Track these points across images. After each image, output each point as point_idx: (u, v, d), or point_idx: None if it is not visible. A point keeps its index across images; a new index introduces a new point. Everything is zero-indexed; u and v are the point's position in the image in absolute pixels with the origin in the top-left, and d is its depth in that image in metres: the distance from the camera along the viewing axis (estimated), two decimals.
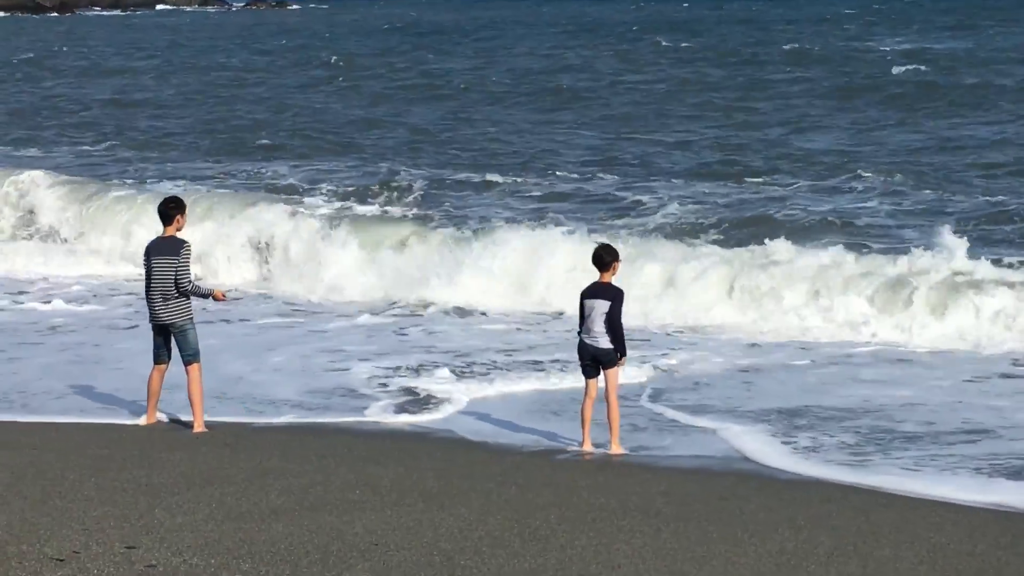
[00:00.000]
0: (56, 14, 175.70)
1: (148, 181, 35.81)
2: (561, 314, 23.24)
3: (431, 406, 17.70)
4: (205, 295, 16.08)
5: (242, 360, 20.18)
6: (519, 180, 34.63)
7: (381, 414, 17.29)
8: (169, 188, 33.15)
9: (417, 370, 19.58)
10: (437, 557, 10.95)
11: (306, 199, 32.36)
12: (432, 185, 34.31)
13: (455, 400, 17.94)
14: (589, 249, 24.75)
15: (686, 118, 44.70)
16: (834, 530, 12.18)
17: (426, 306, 24.36)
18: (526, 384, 18.83)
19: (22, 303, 25.26)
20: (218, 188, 33.40)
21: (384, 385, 18.76)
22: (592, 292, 15.46)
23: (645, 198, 31.76)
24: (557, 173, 35.76)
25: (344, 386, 18.74)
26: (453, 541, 11.44)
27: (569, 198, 32.51)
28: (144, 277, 16.07)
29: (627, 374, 18.30)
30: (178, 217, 16.03)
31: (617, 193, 32.66)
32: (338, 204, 31.72)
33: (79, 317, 23.92)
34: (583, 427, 15.55)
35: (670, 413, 17.45)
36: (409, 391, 18.43)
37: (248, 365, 19.90)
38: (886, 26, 69.83)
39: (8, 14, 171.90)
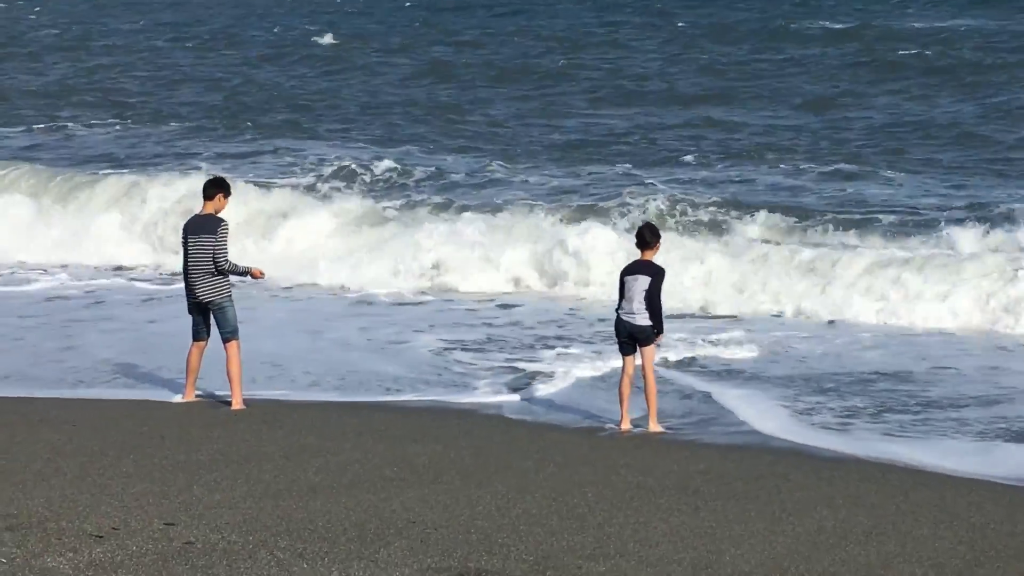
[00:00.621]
0: None
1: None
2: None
3: (538, 383, 17.79)
4: (243, 273, 16.10)
5: (301, 337, 20.48)
6: (532, 166, 34.01)
7: (491, 395, 17.32)
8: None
9: (485, 348, 19.76)
10: (474, 535, 10.96)
11: (287, 180, 32.10)
12: (421, 166, 33.84)
13: (560, 376, 18.02)
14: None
15: (708, 99, 44.08)
16: (872, 509, 12.13)
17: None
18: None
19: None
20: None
21: (472, 364, 18.90)
22: (633, 269, 15.51)
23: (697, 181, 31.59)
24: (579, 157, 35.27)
25: (425, 365, 18.86)
26: (490, 519, 11.44)
27: (583, 180, 32.12)
28: (182, 255, 16.11)
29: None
30: (219, 196, 16.05)
31: (648, 180, 32.35)
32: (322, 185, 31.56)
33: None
34: (621, 405, 15.54)
35: (685, 379, 17.82)
36: (512, 369, 18.55)
37: (307, 343, 20.16)
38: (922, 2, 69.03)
39: None
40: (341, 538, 10.72)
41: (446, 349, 19.64)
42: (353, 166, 33.15)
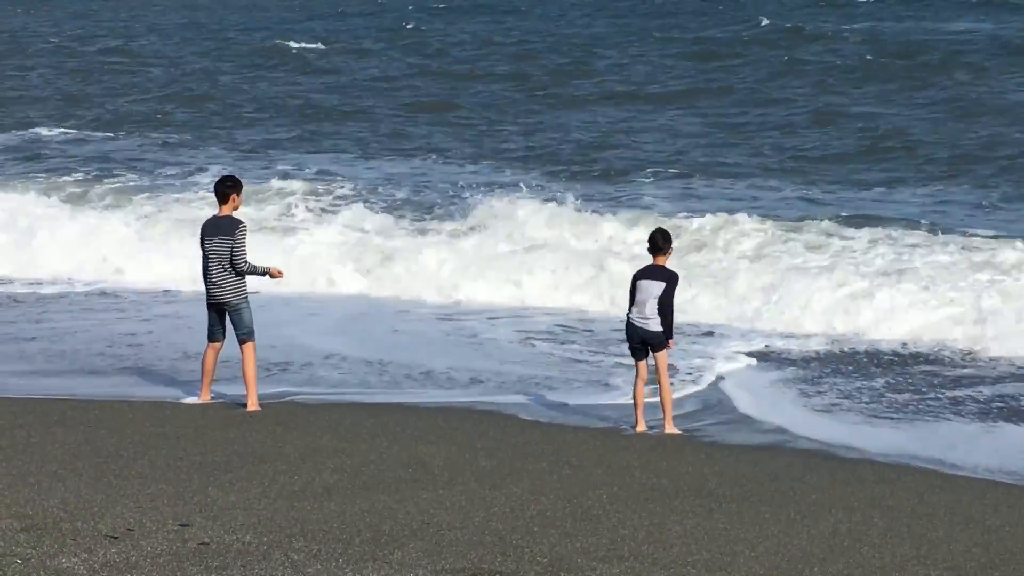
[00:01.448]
0: None
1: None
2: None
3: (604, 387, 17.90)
4: (262, 274, 16.12)
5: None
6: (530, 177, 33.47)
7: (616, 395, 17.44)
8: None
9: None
10: (489, 536, 10.96)
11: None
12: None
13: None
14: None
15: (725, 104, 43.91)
16: (888, 511, 12.12)
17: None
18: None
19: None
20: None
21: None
22: (646, 273, 15.50)
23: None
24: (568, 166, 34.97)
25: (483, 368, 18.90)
26: (505, 520, 11.44)
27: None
28: (201, 256, 16.14)
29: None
30: (234, 196, 16.07)
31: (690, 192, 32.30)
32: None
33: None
34: (636, 408, 15.56)
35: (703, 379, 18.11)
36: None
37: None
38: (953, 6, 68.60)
39: None
40: (355, 539, 10.73)
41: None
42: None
